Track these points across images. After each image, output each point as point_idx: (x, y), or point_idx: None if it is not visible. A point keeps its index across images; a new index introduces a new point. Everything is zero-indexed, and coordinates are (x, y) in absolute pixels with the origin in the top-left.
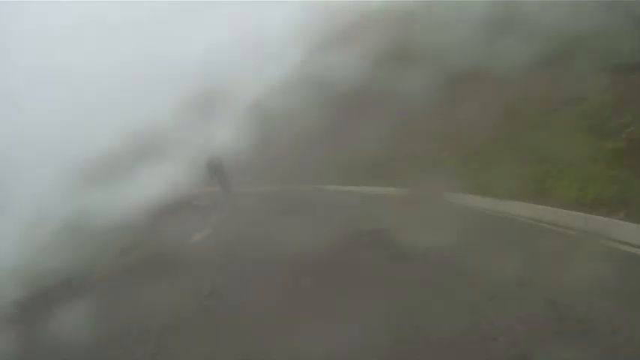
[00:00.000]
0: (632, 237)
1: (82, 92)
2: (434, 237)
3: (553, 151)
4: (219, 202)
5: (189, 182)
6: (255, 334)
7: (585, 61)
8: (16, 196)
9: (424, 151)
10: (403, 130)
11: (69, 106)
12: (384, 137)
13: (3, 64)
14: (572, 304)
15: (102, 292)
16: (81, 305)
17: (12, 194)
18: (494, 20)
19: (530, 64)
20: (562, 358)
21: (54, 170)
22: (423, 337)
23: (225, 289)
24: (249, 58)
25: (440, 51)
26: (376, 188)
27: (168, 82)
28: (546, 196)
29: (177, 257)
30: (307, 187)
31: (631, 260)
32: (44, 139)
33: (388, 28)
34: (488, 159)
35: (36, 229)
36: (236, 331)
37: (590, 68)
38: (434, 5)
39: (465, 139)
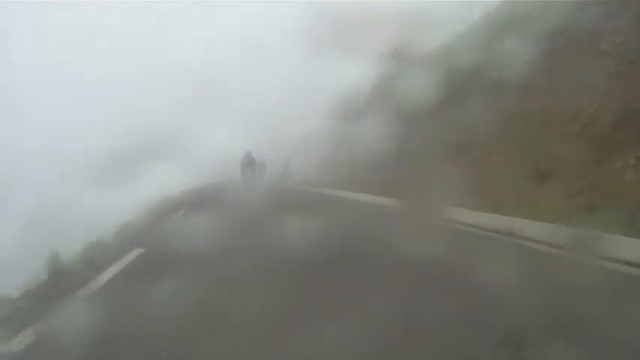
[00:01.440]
0: None
1: (83, 93)
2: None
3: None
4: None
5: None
6: None
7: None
8: (17, 196)
9: (424, 154)
10: (402, 132)
11: (70, 106)
12: (384, 140)
13: (5, 65)
14: None
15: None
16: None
17: (13, 193)
18: (494, 20)
19: (532, 66)
20: None
21: (58, 169)
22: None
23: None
24: (250, 57)
25: (440, 51)
26: (379, 198)
27: (169, 82)
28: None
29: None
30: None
31: None
32: (46, 139)
33: (388, 28)
34: (488, 167)
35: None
36: None
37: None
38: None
39: (465, 144)
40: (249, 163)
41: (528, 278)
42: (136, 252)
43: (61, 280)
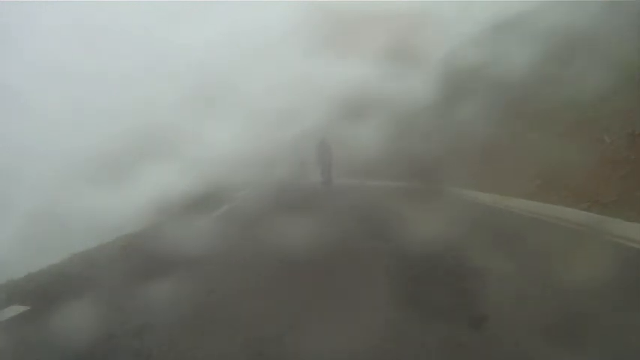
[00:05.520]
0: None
1: (84, 92)
2: None
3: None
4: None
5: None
6: None
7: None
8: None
9: (426, 151)
10: (404, 130)
11: (72, 106)
12: (387, 138)
13: (6, 64)
14: None
15: None
16: None
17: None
18: (494, 20)
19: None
20: None
21: (59, 169)
22: None
23: None
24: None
25: (440, 51)
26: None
27: (169, 81)
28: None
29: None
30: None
31: None
32: (47, 139)
33: (388, 28)
34: (490, 159)
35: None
36: None
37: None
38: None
39: (466, 139)
40: (326, 151)
41: None
42: None
43: None
